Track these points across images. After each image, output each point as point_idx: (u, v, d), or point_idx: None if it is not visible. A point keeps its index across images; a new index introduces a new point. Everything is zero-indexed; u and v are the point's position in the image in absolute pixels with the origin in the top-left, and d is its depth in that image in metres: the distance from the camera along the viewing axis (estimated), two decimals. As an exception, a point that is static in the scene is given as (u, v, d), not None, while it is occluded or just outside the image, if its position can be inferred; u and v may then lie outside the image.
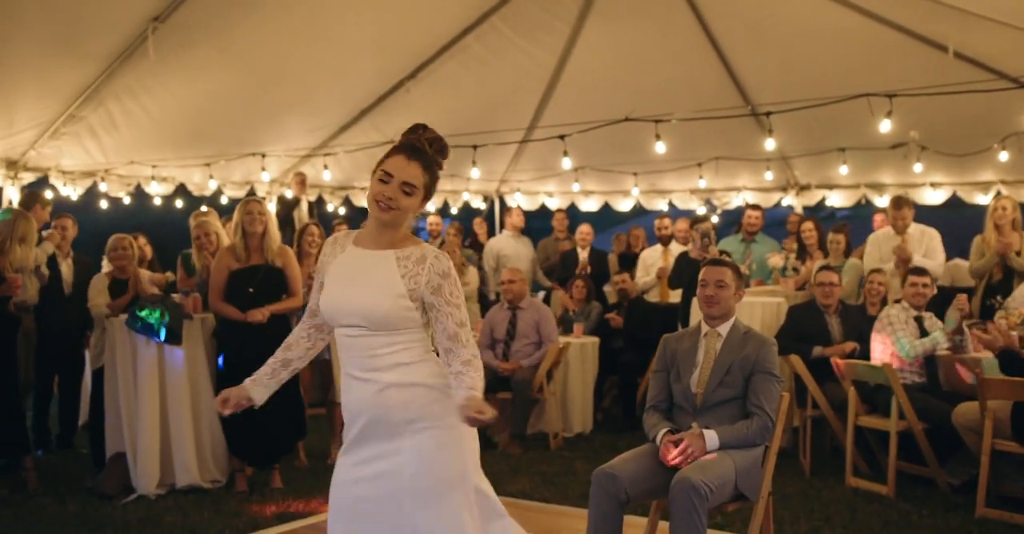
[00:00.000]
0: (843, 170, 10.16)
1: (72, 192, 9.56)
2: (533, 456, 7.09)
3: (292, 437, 6.38)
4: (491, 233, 12.02)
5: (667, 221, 9.51)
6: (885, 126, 7.69)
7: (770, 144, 8.58)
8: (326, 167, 10.74)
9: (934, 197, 10.92)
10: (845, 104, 7.66)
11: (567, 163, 9.48)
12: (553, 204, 13.17)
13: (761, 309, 7.33)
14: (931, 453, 5.77)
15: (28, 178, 9.12)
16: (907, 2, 7.49)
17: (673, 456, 3.96)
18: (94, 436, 6.72)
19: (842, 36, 8.39)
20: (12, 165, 8.90)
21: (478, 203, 13.71)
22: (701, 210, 12.54)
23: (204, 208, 7.88)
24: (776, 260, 8.45)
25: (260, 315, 5.97)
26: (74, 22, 7.23)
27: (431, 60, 9.53)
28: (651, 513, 4.33)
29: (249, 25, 7.89)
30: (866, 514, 5.36)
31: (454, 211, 13.73)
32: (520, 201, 13.21)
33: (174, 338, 6.09)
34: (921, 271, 6.30)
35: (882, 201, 11.03)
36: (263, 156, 10.24)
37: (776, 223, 14.80)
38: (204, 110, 9.03)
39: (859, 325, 6.63)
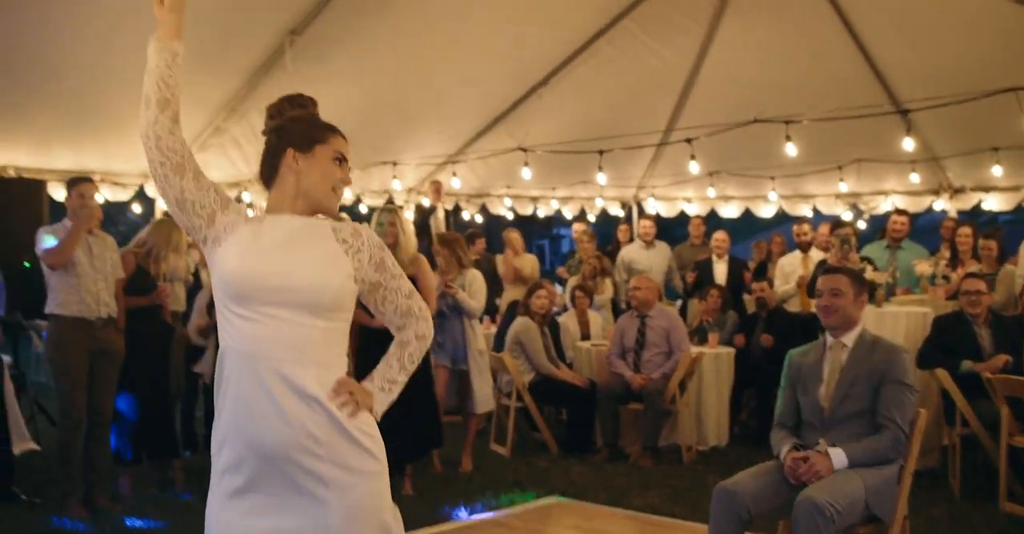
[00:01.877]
0: (997, 171, 9.55)
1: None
2: (664, 469, 6.92)
3: (425, 444, 6.33)
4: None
5: (806, 227, 9.18)
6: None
7: (908, 144, 8.12)
8: (455, 174, 10.85)
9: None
10: (997, 100, 7.20)
11: (695, 167, 9.29)
12: (692, 210, 12.89)
13: (906, 319, 6.94)
14: (1094, 476, 5.33)
15: (179, 189, 9.52)
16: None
17: (799, 474, 3.78)
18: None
19: (993, 26, 7.89)
20: (164, 177, 9.32)
21: (615, 210, 13.56)
22: (847, 215, 12.04)
23: (345, 216, 8.03)
24: (924, 267, 8.02)
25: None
26: (218, 38, 7.49)
27: (563, 65, 9.50)
28: (778, 533, 4.15)
29: (383, 35, 8.02)
30: (1019, 541, 5.01)
31: (591, 218, 13.61)
32: (657, 207, 13.00)
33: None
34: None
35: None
36: (394, 164, 10.43)
37: (931, 229, 14.11)
38: (341, 120, 8.97)
39: (1014, 337, 6.19)
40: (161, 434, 6.47)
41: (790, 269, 8.93)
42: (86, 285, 5.86)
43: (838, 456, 3.78)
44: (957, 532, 5.16)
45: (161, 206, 9.34)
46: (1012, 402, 5.60)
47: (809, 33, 8.94)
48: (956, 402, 5.98)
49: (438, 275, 7.15)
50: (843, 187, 11.03)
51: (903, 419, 3.84)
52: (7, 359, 7.57)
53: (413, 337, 2.63)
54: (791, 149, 8.29)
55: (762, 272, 9.66)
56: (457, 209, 11.77)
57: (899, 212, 8.99)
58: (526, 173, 9.95)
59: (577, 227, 10.99)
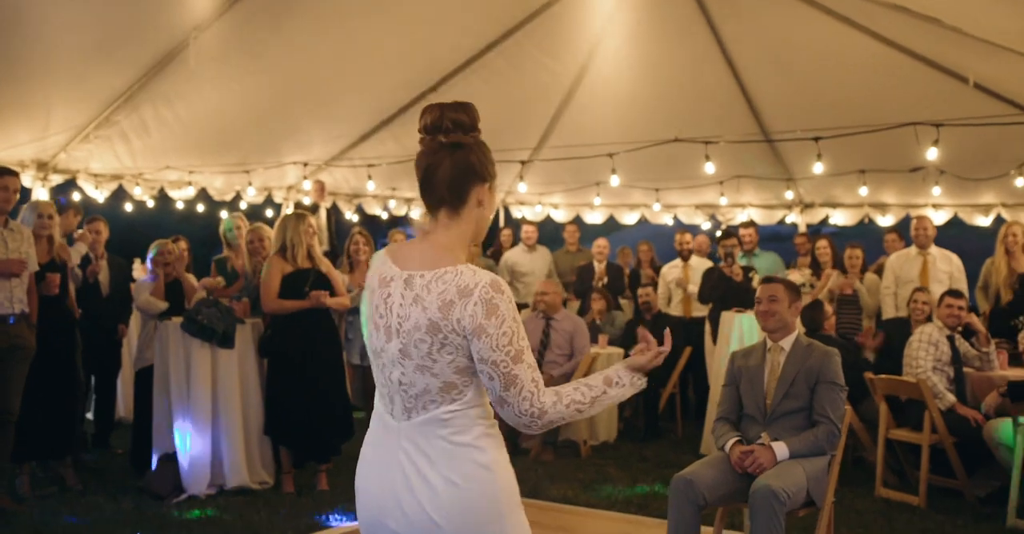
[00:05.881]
0: (863, 191, 10.34)
1: (99, 195, 9.64)
2: (566, 463, 7.28)
3: (340, 437, 6.47)
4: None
5: (688, 236, 9.71)
6: (932, 154, 7.80)
7: (818, 168, 8.65)
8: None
9: (936, 218, 11.19)
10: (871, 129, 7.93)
11: (615, 180, 9.66)
12: (558, 216, 13.36)
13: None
14: (961, 466, 6.03)
15: (57, 180, 9.18)
16: (928, 30, 7.66)
17: (746, 465, 4.20)
18: (137, 436, 6.84)
19: (863, 63, 8.59)
20: (42, 167, 8.96)
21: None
22: (706, 225, 12.80)
23: (248, 216, 8.01)
24: (795, 277, 8.69)
25: (324, 296, 6.27)
26: (117, 28, 7.32)
27: (454, 74, 9.71)
28: (716, 522, 4.55)
29: (284, 35, 8.02)
30: (901, 523, 5.62)
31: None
32: (525, 213, 13.40)
33: (227, 341, 6.26)
34: (957, 293, 6.58)
35: (884, 220, 11.31)
36: (305, 165, 10.49)
37: (773, 238, 15.09)
38: (233, 118, 9.16)
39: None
40: (63, 430, 6.32)
41: (671, 276, 9.46)
42: (-1, 282, 5.64)
43: (781, 449, 4.23)
44: (845, 516, 5.69)
45: (37, 196, 8.96)
46: (889, 400, 6.28)
47: (687, 55, 9.42)
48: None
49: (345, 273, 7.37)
50: (723, 200, 11.63)
51: (836, 415, 4.32)
52: None
53: None
54: (710, 167, 8.82)
55: (636, 278, 10.18)
56: (336, 208, 11.80)
57: (744, 225, 9.59)
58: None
59: None
